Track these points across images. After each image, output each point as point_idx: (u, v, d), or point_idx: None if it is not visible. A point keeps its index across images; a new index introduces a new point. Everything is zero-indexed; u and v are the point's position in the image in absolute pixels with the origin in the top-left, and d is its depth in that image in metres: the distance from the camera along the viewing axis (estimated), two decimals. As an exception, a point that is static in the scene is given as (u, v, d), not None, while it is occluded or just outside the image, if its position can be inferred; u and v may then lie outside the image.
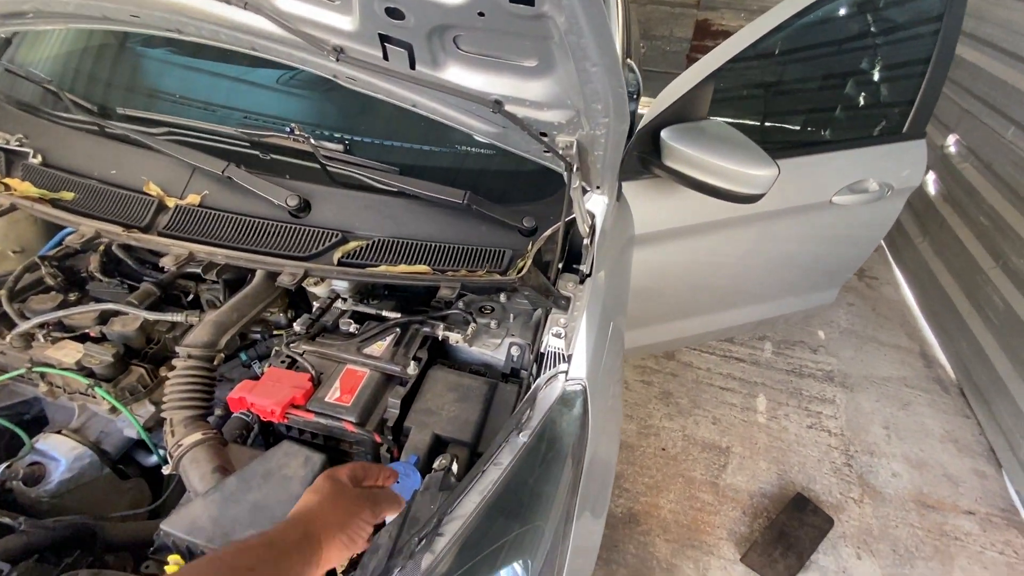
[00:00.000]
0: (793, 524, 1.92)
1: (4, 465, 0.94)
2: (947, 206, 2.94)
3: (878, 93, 1.84)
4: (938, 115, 3.18)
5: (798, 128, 1.88)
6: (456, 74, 0.83)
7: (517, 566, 0.75)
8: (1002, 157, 2.54)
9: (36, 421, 1.09)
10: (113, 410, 1.00)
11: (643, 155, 1.46)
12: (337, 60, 0.83)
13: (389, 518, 0.72)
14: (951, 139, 3.01)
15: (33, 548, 0.82)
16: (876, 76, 1.81)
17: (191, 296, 1.20)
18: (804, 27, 1.58)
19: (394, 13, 0.72)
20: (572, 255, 1.19)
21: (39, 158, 1.16)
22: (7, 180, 1.12)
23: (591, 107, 0.76)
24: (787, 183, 1.72)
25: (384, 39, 0.79)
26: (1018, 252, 2.34)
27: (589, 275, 1.12)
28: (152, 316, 1.05)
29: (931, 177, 3.11)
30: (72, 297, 1.11)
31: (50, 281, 1.13)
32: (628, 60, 1.90)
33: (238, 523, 0.77)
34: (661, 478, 2.11)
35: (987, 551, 1.90)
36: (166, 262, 1.02)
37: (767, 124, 1.87)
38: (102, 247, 1.21)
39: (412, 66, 0.83)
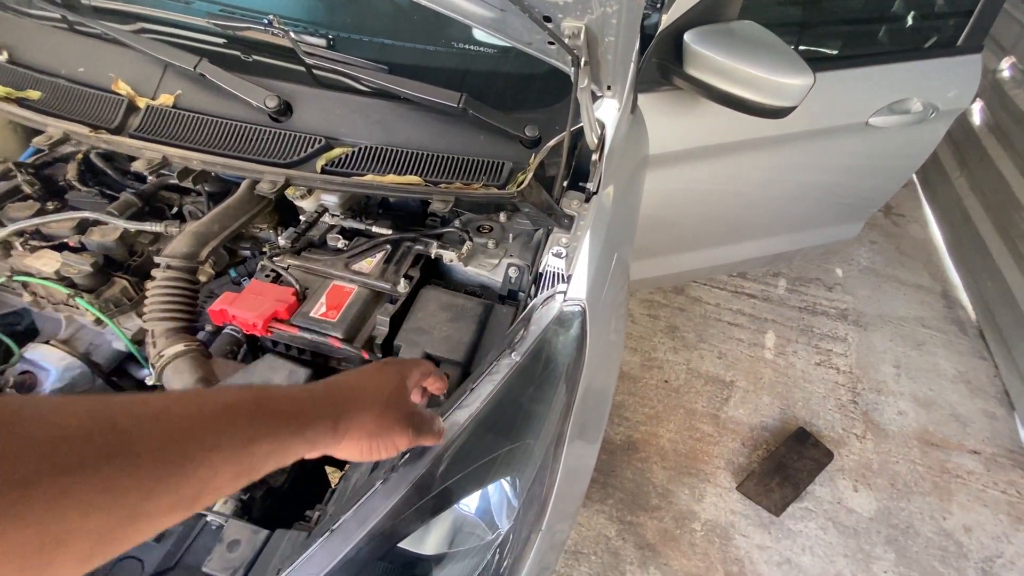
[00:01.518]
0: (792, 456, 1.92)
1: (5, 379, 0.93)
2: (991, 137, 2.72)
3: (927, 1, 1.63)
4: (993, 34, 2.88)
5: (836, 39, 1.69)
6: (445, -59, 0.70)
7: (505, 483, 0.73)
8: (1063, 81, 2.30)
9: (27, 333, 1.07)
10: (98, 322, 0.97)
11: (662, 62, 1.32)
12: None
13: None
14: (1006, 62, 2.73)
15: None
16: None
17: (175, 209, 1.14)
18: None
19: None
20: (579, 172, 1.10)
21: (4, 55, 1.07)
22: (-31, 77, 1.03)
23: (599, -23, 0.65)
24: (819, 101, 1.56)
25: None
26: (1064, 187, 2.17)
27: (596, 193, 1.03)
28: (130, 225, 1.00)
29: (976, 105, 2.86)
30: (50, 206, 1.06)
31: (27, 189, 1.07)
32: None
33: (221, 434, 0.76)
34: (662, 409, 2.11)
35: (989, 490, 1.90)
36: (138, 166, 0.95)
37: (802, 33, 1.69)
38: (80, 155, 1.15)
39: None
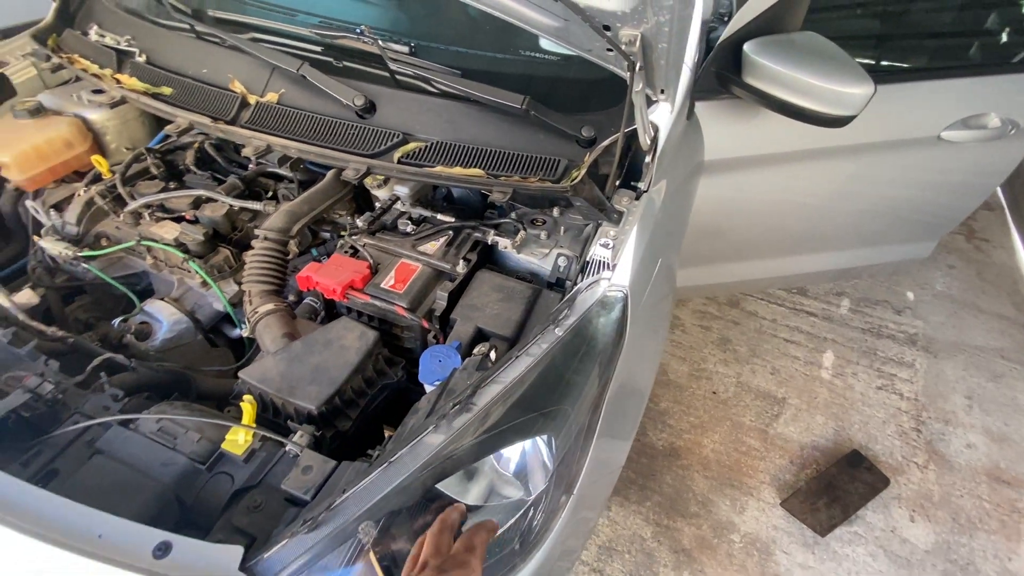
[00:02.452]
0: (843, 478, 1.86)
1: (119, 319, 1.11)
2: (1095, 159, 2.51)
3: (1015, 11, 1.57)
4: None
5: (910, 51, 1.66)
6: (518, -40, 0.80)
7: (542, 443, 0.80)
8: None
9: (145, 292, 1.26)
10: (204, 284, 1.14)
11: (721, 72, 1.36)
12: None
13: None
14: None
15: (142, 385, 0.98)
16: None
17: (270, 193, 1.31)
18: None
19: None
20: (633, 172, 1.17)
21: (144, 57, 1.28)
22: (118, 76, 1.24)
23: (654, -11, 0.72)
24: (888, 112, 1.54)
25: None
26: None
27: (646, 191, 1.09)
28: (236, 203, 1.17)
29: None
30: (172, 186, 1.25)
31: (154, 171, 1.27)
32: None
33: (301, 380, 0.88)
34: (708, 419, 2.10)
35: (1065, 533, 1.76)
36: (247, 152, 1.11)
37: (874, 46, 1.66)
38: (196, 144, 1.34)
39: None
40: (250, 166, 1.32)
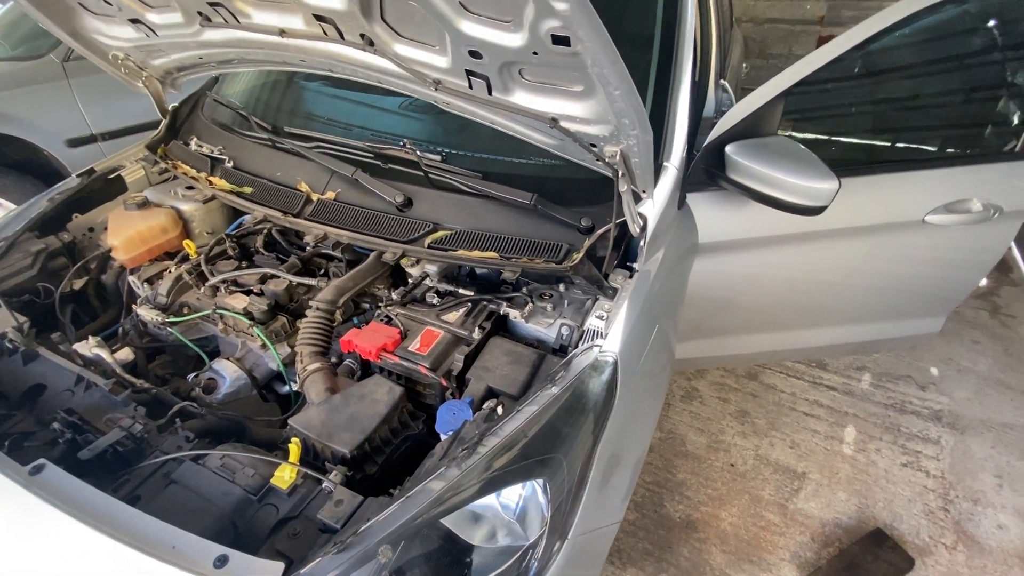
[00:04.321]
0: (867, 557, 1.82)
1: (192, 375, 1.33)
2: (1110, 238, 2.55)
3: (986, 109, 1.75)
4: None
5: (890, 145, 1.84)
6: (522, 97, 1.05)
7: (537, 484, 0.93)
8: None
9: (212, 352, 1.49)
10: (263, 346, 1.35)
11: (709, 168, 1.57)
12: (436, 89, 1.11)
13: None
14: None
15: (208, 430, 1.17)
16: (975, 91, 1.73)
17: (323, 270, 1.56)
18: (899, 40, 1.59)
19: (475, 54, 0.97)
20: (630, 255, 1.35)
21: (231, 163, 1.60)
22: (211, 178, 1.56)
23: (621, 122, 0.94)
24: (874, 201, 1.70)
25: (469, 73, 1.04)
26: None
27: (638, 271, 1.27)
28: (295, 280, 1.41)
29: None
30: (244, 264, 1.51)
31: (231, 252, 1.54)
32: (722, 81, 1.99)
33: (338, 427, 1.05)
34: (726, 492, 2.11)
35: (1115, 628, 1.65)
36: (308, 239, 1.37)
37: (856, 140, 1.86)
38: (265, 231, 1.62)
39: (489, 92, 1.07)
40: (307, 248, 1.58)
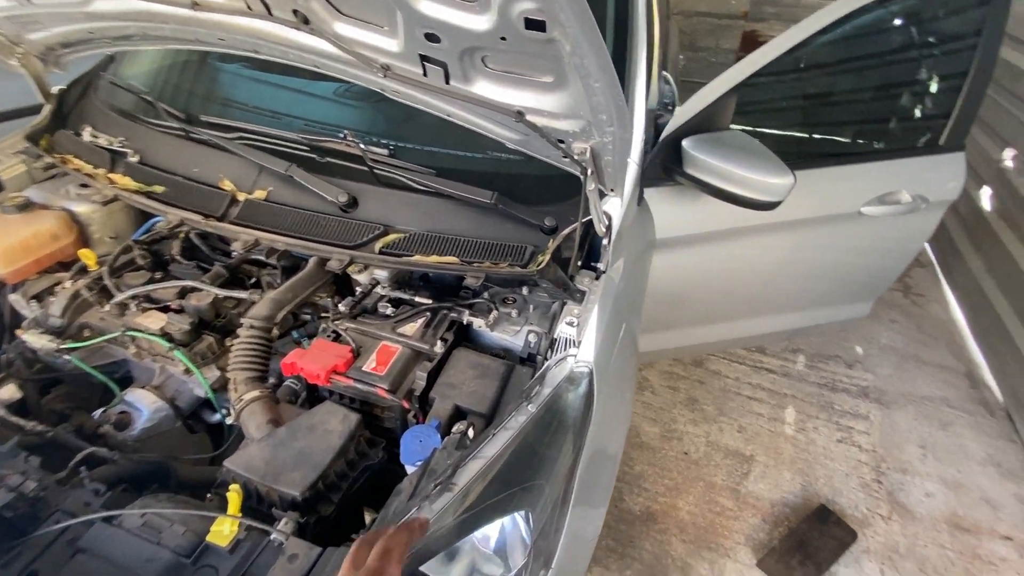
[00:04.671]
0: (814, 534, 1.91)
1: (100, 411, 1.13)
2: (1001, 222, 2.83)
3: (912, 104, 1.84)
4: (996, 129, 3.07)
5: (828, 139, 1.90)
6: (484, 88, 0.95)
7: (519, 516, 0.85)
8: (1060, 172, 2.44)
9: (123, 380, 1.28)
10: (187, 371, 1.17)
11: (665, 163, 1.54)
12: (384, 76, 0.98)
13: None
14: (1008, 153, 2.90)
15: (123, 477, 0.99)
16: (910, 87, 1.82)
17: (253, 279, 1.38)
18: (834, 39, 1.62)
19: (431, 37, 0.85)
20: (593, 254, 1.29)
21: (137, 157, 1.37)
22: (111, 175, 1.33)
23: (598, 117, 0.86)
24: (815, 192, 1.75)
25: (423, 58, 0.92)
26: (1074, 271, 2.24)
27: (605, 272, 1.21)
28: (222, 293, 1.22)
29: (986, 192, 3.00)
30: (158, 276, 1.30)
31: (140, 261, 1.33)
32: (664, 73, 1.98)
33: (285, 465, 0.92)
34: (681, 481, 2.14)
35: (1023, 578, 1.84)
36: (236, 247, 1.19)
37: (795, 135, 1.90)
38: (182, 235, 1.41)
39: (447, 81, 0.96)
40: (234, 255, 1.39)
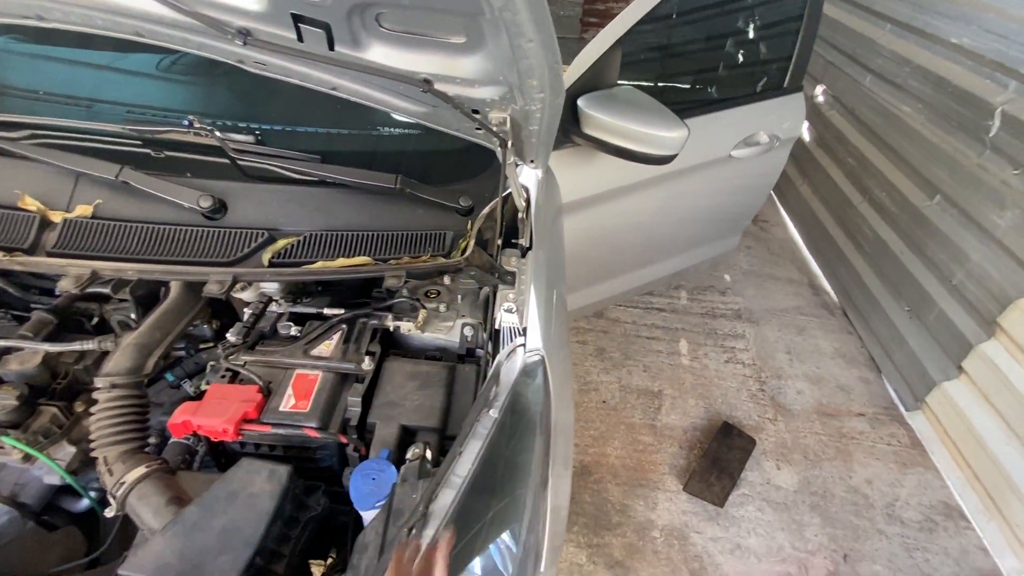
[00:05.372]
0: (723, 450, 2.13)
1: None
2: (820, 150, 3.30)
3: (760, 52, 2.00)
4: (809, 70, 3.53)
5: (695, 89, 2.00)
6: (380, 53, 0.79)
7: (506, 536, 0.78)
8: (862, 103, 2.88)
9: (-78, 487, 0.94)
10: (27, 458, 0.88)
11: (563, 124, 1.49)
12: (244, 44, 0.76)
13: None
14: (819, 89, 3.35)
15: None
16: (756, 36, 1.96)
17: (95, 319, 1.07)
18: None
19: (310, -10, 0.67)
20: (508, 231, 1.21)
21: None
22: None
23: (526, 83, 0.76)
24: (692, 142, 1.83)
25: (297, 19, 0.73)
26: (879, 186, 2.69)
27: (530, 248, 1.14)
28: (55, 348, 0.93)
29: (805, 126, 3.46)
30: (-56, 340, 0.95)
31: (-88, 324, 0.95)
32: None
33: (207, 552, 0.73)
34: (605, 428, 2.24)
35: (877, 445, 2.25)
36: (65, 285, 0.90)
37: (667, 86, 1.97)
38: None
39: (331, 47, 0.78)
40: (59, 294, 1.06)
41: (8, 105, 1.07)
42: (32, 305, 1.04)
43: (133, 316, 1.03)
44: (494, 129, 0.91)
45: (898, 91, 2.61)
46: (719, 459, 2.10)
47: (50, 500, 0.96)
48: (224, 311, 1.16)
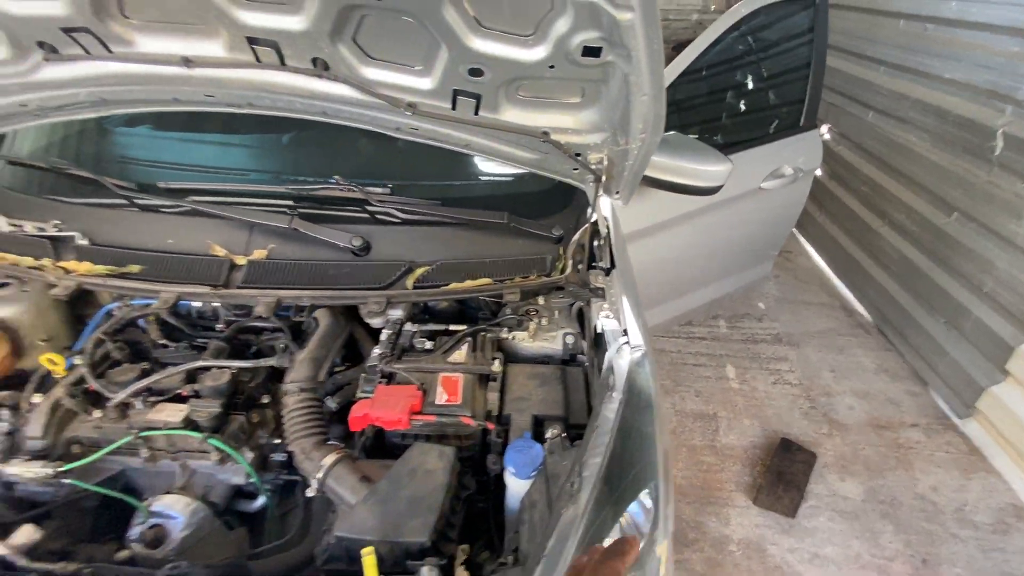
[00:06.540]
0: (785, 464, 2.21)
1: (135, 534, 0.96)
2: (833, 182, 3.53)
3: (779, 96, 2.27)
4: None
5: (726, 131, 2.26)
6: (512, 114, 1.02)
7: (643, 496, 0.91)
8: (868, 137, 3.13)
9: (126, 492, 1.10)
10: (223, 460, 1.05)
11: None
12: (412, 114, 1.00)
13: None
14: (824, 128, 3.63)
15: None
16: (774, 83, 2.24)
17: (254, 349, 1.27)
18: (720, 50, 1.96)
19: (476, 72, 0.91)
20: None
21: (86, 240, 1.20)
22: (63, 264, 1.14)
23: (633, 126, 0.98)
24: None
25: (457, 93, 0.97)
26: (897, 210, 2.89)
27: (613, 267, 1.33)
28: (244, 365, 1.12)
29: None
30: (146, 366, 1.14)
31: (118, 355, 1.15)
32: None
33: (401, 516, 0.88)
34: (669, 451, 2.33)
35: (936, 453, 2.30)
36: (260, 311, 1.10)
37: (702, 130, 2.23)
38: (152, 318, 1.25)
39: (476, 112, 1.01)
40: (218, 326, 1.27)
41: (185, 176, 1.32)
42: (196, 339, 1.24)
43: (286, 343, 1.22)
44: (592, 168, 1.13)
45: (902, 123, 2.86)
46: (783, 473, 2.17)
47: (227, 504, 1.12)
48: (349, 342, 1.35)
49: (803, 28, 2.14)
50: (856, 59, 3.23)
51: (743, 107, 2.24)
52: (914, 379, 2.70)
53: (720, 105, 2.20)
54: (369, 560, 0.82)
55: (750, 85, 2.21)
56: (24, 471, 0.96)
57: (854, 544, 1.95)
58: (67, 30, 0.88)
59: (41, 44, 0.92)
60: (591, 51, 0.83)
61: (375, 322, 1.29)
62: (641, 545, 0.89)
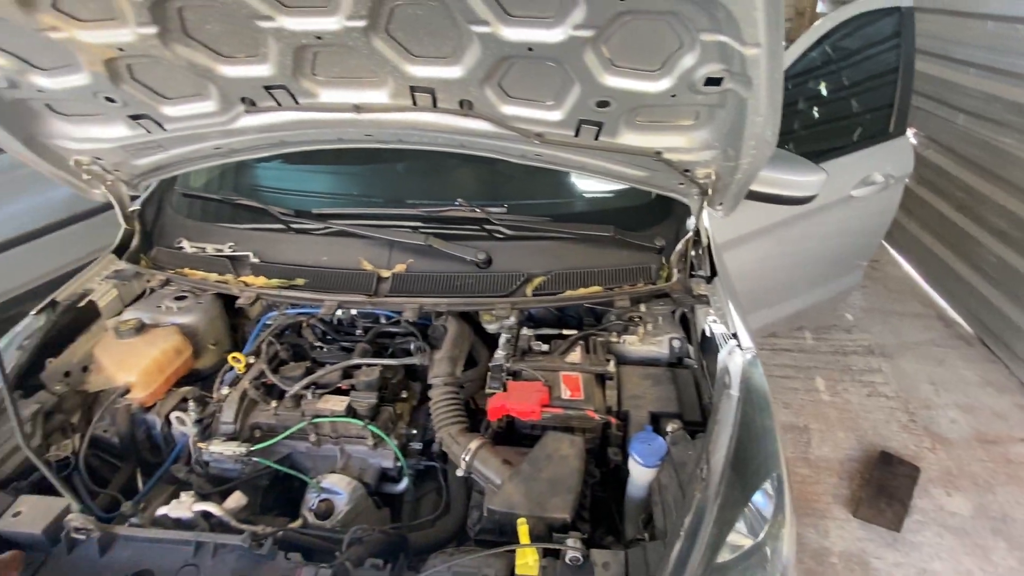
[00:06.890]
0: (887, 477, 2.14)
1: (312, 505, 1.13)
2: (922, 188, 3.39)
3: (868, 103, 2.26)
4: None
5: (815, 139, 2.28)
6: (628, 138, 1.14)
7: (767, 485, 0.98)
8: (959, 141, 3.01)
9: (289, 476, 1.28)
10: (376, 445, 1.21)
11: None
12: (539, 142, 1.15)
13: None
14: (910, 132, 3.51)
15: (373, 554, 1.01)
16: (861, 89, 2.24)
17: (390, 349, 1.44)
18: (808, 60, 2.01)
19: (602, 103, 1.04)
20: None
21: (257, 259, 1.42)
22: (244, 279, 1.37)
23: (746, 144, 1.07)
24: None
25: (582, 122, 1.10)
26: (996, 215, 2.75)
27: (715, 275, 1.41)
28: (392, 363, 1.29)
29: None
30: (307, 364, 1.34)
31: (284, 355, 1.36)
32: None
33: (543, 494, 1.00)
34: (757, 462, 2.32)
35: (1052, 469, 2.16)
36: (408, 315, 1.27)
37: (795, 139, 2.26)
38: (305, 324, 1.45)
39: (596, 138, 1.14)
40: (357, 332, 1.45)
41: (333, 202, 1.53)
42: (341, 343, 1.42)
43: (420, 344, 1.39)
44: (700, 182, 1.23)
45: (996, 126, 2.74)
46: (885, 486, 2.11)
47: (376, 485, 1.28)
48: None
49: (888, 34, 2.14)
50: (942, 61, 3.13)
51: (831, 115, 2.25)
52: (1022, 392, 2.53)
53: (808, 114, 2.22)
54: (523, 529, 0.94)
55: (838, 93, 2.23)
56: (223, 449, 1.15)
57: (965, 560, 1.87)
58: (268, 87, 1.09)
59: (243, 99, 1.13)
60: (713, 81, 0.94)
61: (491, 327, 1.44)
62: (765, 532, 0.96)
